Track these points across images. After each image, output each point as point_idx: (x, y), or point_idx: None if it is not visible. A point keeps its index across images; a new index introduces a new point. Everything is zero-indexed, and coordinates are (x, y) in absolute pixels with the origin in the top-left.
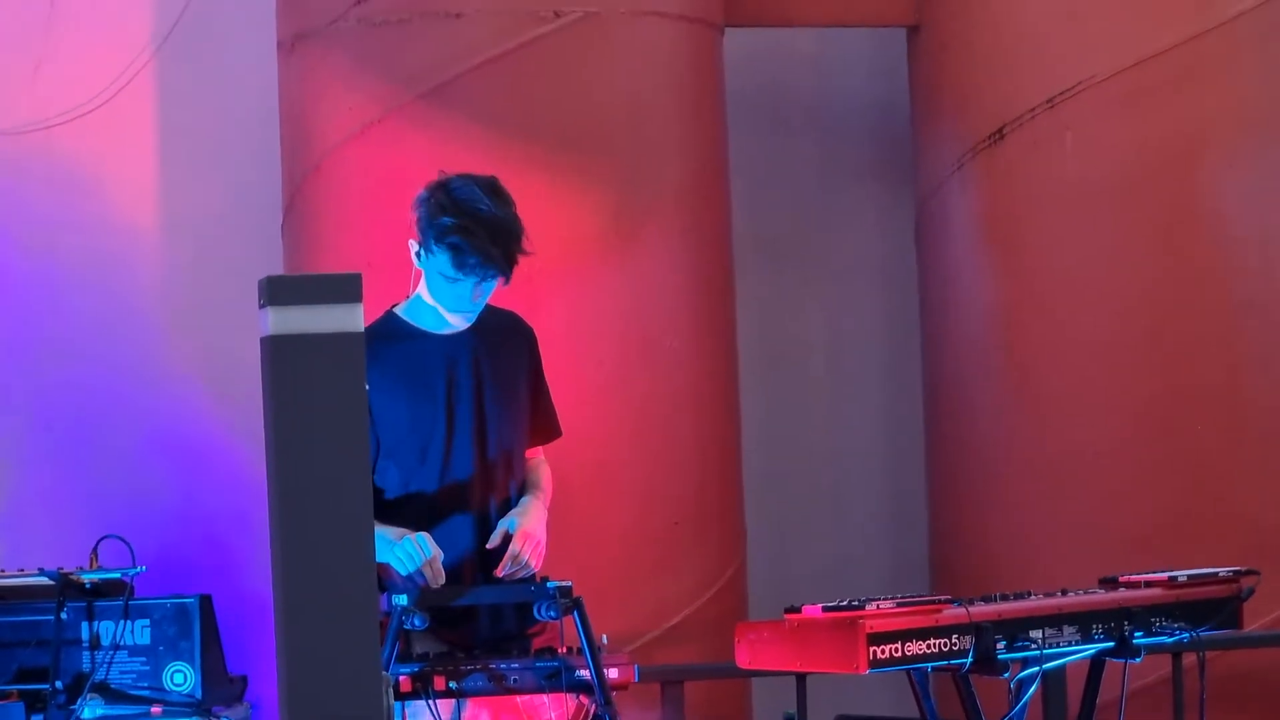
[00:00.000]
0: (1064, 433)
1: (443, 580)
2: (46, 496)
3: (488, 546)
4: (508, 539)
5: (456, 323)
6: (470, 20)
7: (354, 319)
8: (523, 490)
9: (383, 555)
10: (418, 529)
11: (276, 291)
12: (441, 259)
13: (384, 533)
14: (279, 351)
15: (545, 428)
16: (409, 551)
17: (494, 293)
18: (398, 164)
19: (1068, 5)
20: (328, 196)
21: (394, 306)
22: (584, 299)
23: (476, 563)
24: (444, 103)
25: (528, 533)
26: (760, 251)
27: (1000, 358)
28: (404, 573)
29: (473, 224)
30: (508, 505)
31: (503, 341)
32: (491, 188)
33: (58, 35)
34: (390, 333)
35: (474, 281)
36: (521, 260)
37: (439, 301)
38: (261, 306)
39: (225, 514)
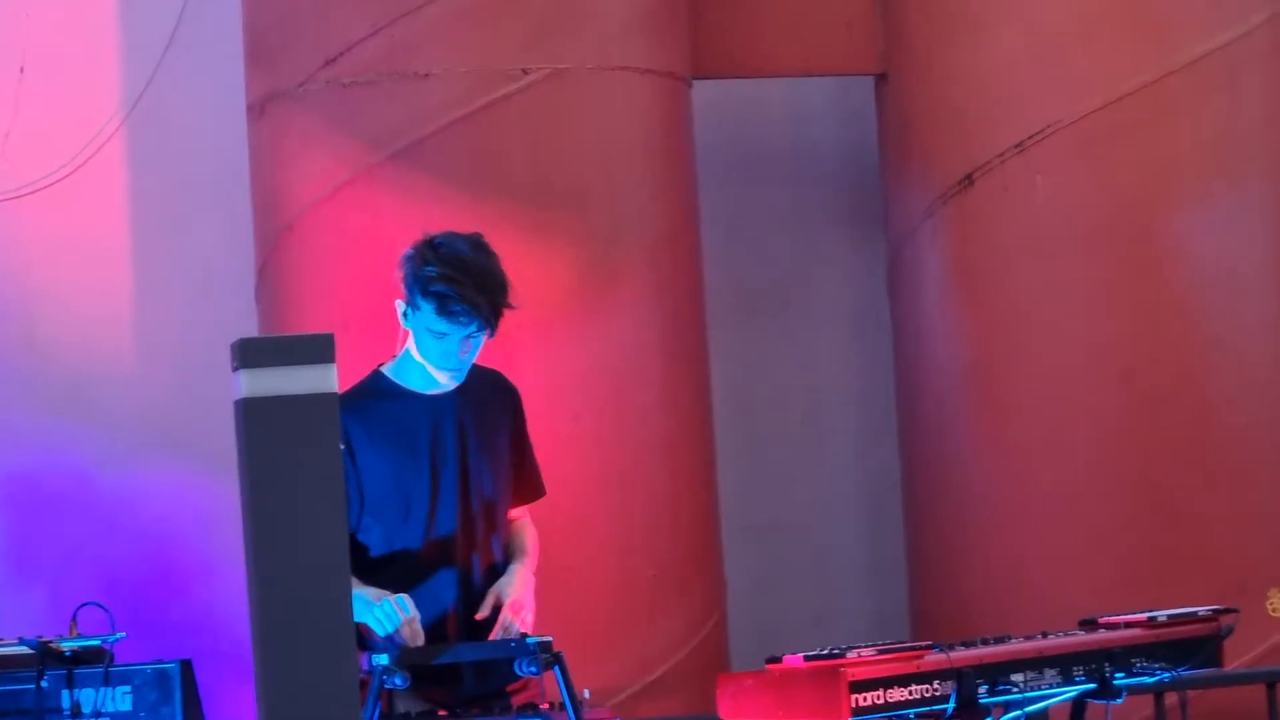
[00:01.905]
0: (1040, 476)
1: (421, 640)
2: (23, 563)
3: (478, 617)
4: (498, 608)
5: (444, 381)
6: (439, 80)
7: (327, 380)
8: (508, 551)
9: (361, 616)
10: (402, 587)
11: (249, 354)
12: (427, 309)
13: (363, 594)
14: (253, 414)
15: (529, 487)
16: (387, 612)
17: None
18: (370, 224)
19: (1034, 50)
20: (301, 258)
21: (381, 366)
22: (558, 354)
23: (460, 618)
24: (414, 162)
25: (518, 602)
26: (733, 302)
27: (975, 403)
28: (382, 634)
29: (457, 274)
30: (491, 563)
31: (487, 400)
32: (476, 242)
33: (26, 104)
34: (377, 391)
35: (461, 335)
36: (504, 315)
37: (427, 359)
38: (235, 369)
39: (203, 576)
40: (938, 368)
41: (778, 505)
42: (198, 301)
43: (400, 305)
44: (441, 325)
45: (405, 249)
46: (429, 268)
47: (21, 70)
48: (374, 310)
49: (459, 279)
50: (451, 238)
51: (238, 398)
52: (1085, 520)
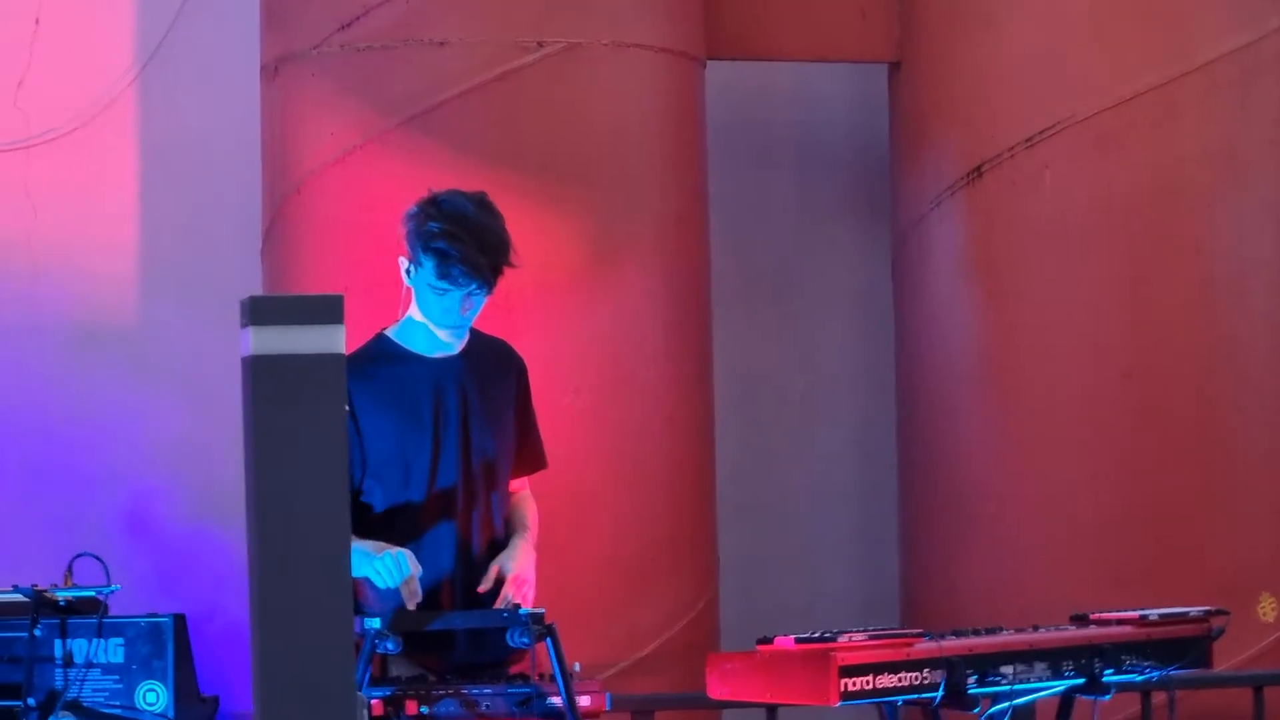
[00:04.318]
0: (1038, 469)
1: (419, 598)
2: (20, 512)
3: (480, 589)
4: (500, 581)
5: (446, 339)
6: (454, 49)
7: (335, 340)
8: (509, 524)
9: (361, 569)
10: (403, 544)
11: (258, 312)
12: (428, 266)
13: (364, 546)
14: (260, 372)
15: (531, 458)
16: (388, 566)
17: (475, 317)
18: (378, 189)
19: (1048, 46)
20: (308, 220)
21: (384, 329)
22: (562, 327)
23: (457, 585)
24: (426, 130)
25: (520, 578)
26: (737, 283)
27: (976, 394)
28: (382, 586)
29: (459, 230)
30: (492, 536)
31: (492, 368)
32: (480, 200)
33: (41, 54)
34: (380, 354)
35: (461, 293)
36: (500, 286)
37: (428, 316)
38: (243, 326)
39: (200, 532)
40: (939, 357)
41: (774, 487)
42: (204, 259)
43: (403, 262)
44: (442, 283)
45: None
46: (431, 224)
47: (37, 21)
48: (379, 275)
49: (460, 236)
50: (455, 195)
51: (245, 354)
52: (1080, 515)
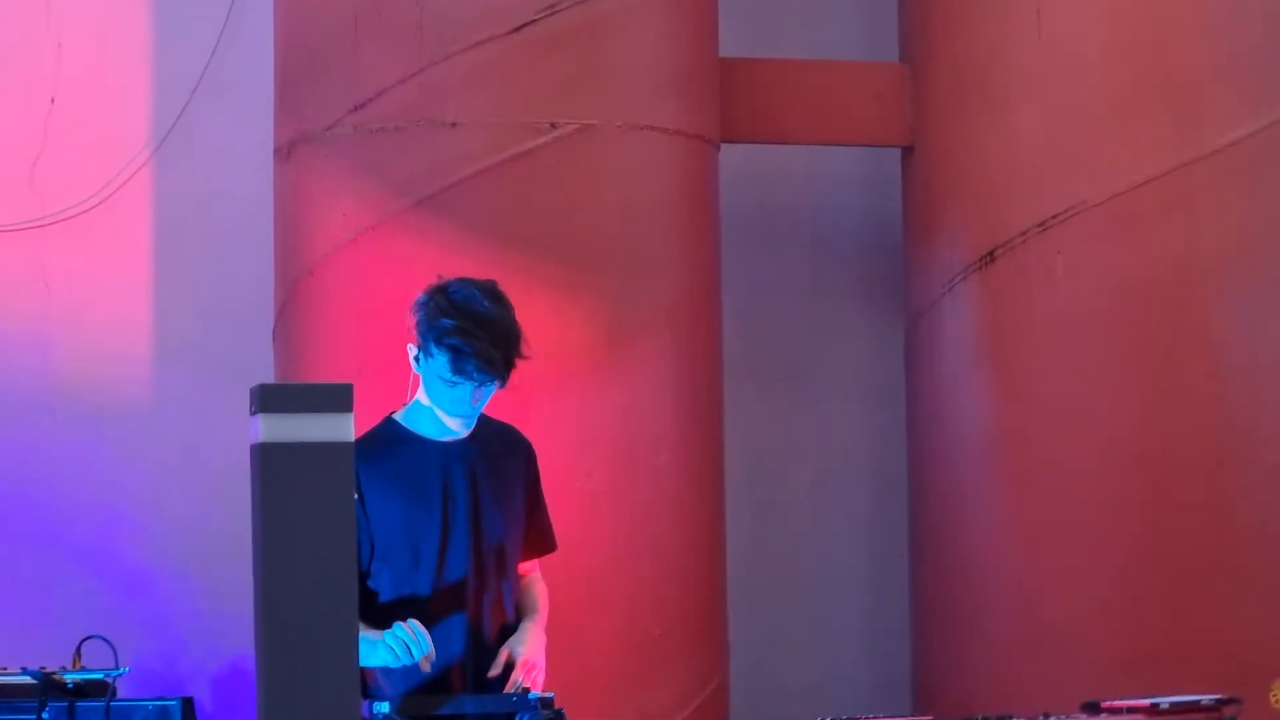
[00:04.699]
0: (1049, 553)
1: (432, 661)
2: (29, 593)
3: (490, 675)
4: (510, 666)
5: (455, 427)
6: (466, 130)
7: (344, 429)
8: (519, 608)
9: (368, 659)
10: None
11: (268, 399)
12: (440, 361)
13: (368, 635)
14: (269, 459)
15: (541, 540)
16: (399, 636)
17: (488, 402)
18: (391, 271)
19: (1060, 130)
20: (321, 302)
21: (393, 413)
22: (573, 409)
23: (467, 669)
24: (438, 211)
25: (530, 662)
26: (749, 366)
27: (987, 478)
28: (395, 663)
29: (473, 326)
30: (503, 621)
31: (500, 451)
32: (491, 291)
33: (56, 134)
34: (388, 438)
35: (473, 386)
36: (518, 365)
37: (437, 405)
38: (252, 414)
39: (210, 617)
40: (950, 441)
41: (785, 569)
42: (216, 340)
43: (412, 350)
44: (456, 377)
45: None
46: (445, 319)
47: (52, 101)
48: (391, 357)
49: (474, 331)
50: (466, 286)
51: (255, 442)
52: (1091, 599)
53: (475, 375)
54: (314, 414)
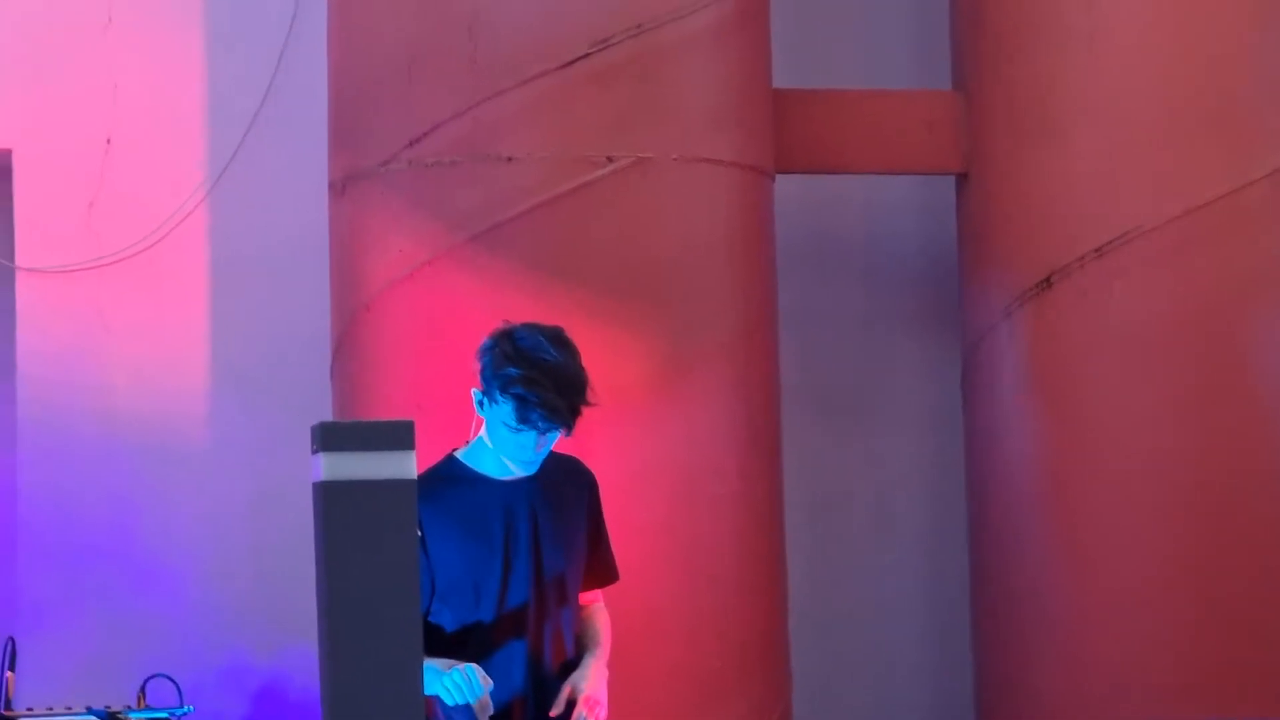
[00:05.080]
0: (1109, 581)
1: (490, 712)
2: (93, 632)
3: (552, 714)
4: (572, 703)
5: (518, 471)
6: (522, 164)
7: (406, 466)
8: (581, 642)
9: (431, 687)
10: (474, 661)
11: (330, 437)
12: (505, 409)
13: (434, 664)
14: (331, 497)
15: (603, 571)
16: (456, 682)
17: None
18: (447, 306)
19: (1116, 154)
20: (378, 337)
21: (455, 450)
22: (633, 440)
23: (528, 704)
24: (494, 246)
25: (592, 699)
26: (807, 396)
27: (1047, 505)
28: (451, 703)
29: (539, 375)
30: (561, 643)
31: (563, 487)
32: (557, 338)
33: (112, 174)
34: (450, 477)
35: (537, 434)
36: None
37: (501, 450)
38: (314, 452)
39: (274, 654)
40: (1010, 468)
41: (845, 598)
42: (274, 377)
43: (476, 394)
44: (519, 425)
45: (484, 336)
46: (510, 367)
47: (109, 141)
48: (449, 393)
49: (540, 381)
50: (532, 333)
51: (317, 480)
52: (1151, 627)
53: (540, 424)
54: (376, 452)
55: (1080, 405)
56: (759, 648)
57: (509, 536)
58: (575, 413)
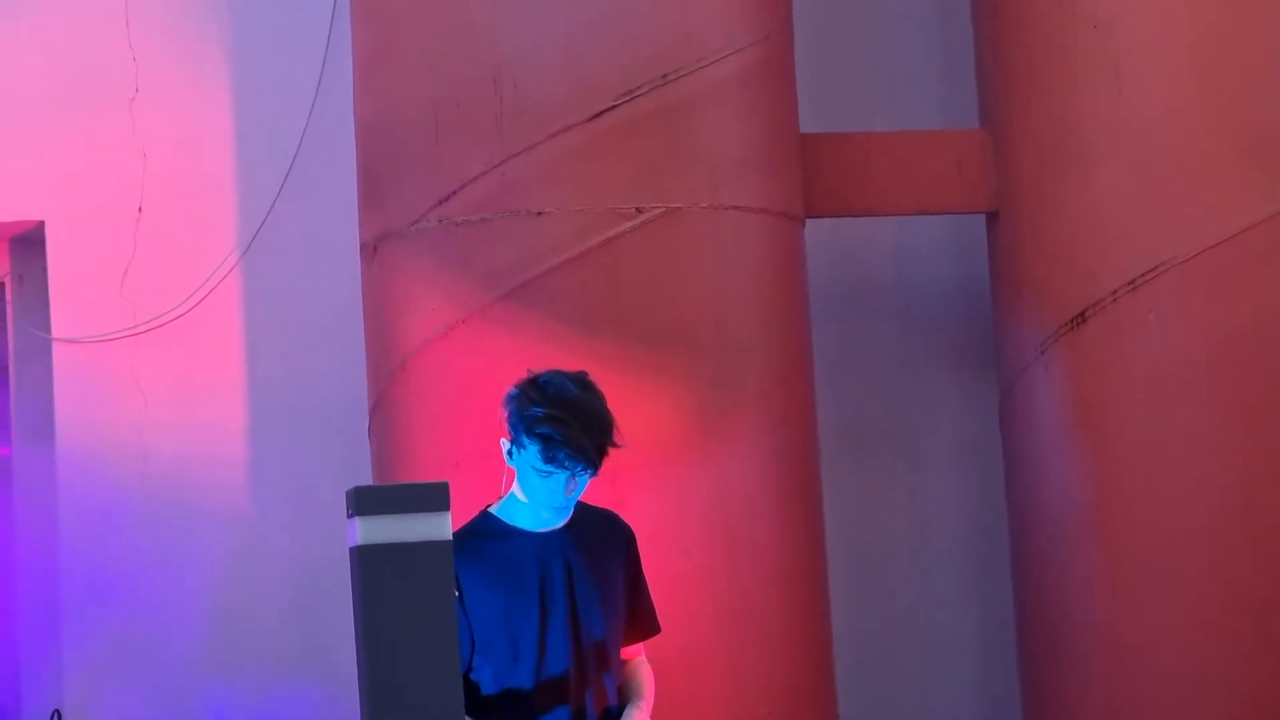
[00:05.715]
0: (1155, 615)
1: None
2: (135, 699)
3: None
4: None
5: (551, 520)
6: (552, 218)
7: (442, 528)
8: (623, 693)
9: None
10: None
11: (365, 501)
12: (532, 450)
13: None
14: (368, 561)
15: (644, 624)
16: None
17: (585, 488)
18: (482, 363)
19: (1146, 186)
20: (414, 397)
21: (489, 506)
22: (670, 490)
23: None
24: (527, 302)
25: None
26: (845, 439)
27: (1089, 540)
28: None
29: (563, 414)
30: (606, 706)
31: (598, 539)
32: (581, 380)
33: (144, 243)
34: (485, 532)
35: (566, 475)
36: (610, 453)
37: (531, 498)
38: (349, 516)
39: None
40: (1051, 504)
41: (890, 640)
42: (312, 440)
43: (505, 444)
44: (548, 466)
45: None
46: (535, 408)
47: (140, 210)
48: (485, 450)
49: (565, 419)
50: (557, 376)
51: (353, 544)
52: (1198, 662)
53: (567, 463)
54: (411, 514)
55: (1119, 439)
56: (805, 694)
57: (544, 587)
58: (602, 452)
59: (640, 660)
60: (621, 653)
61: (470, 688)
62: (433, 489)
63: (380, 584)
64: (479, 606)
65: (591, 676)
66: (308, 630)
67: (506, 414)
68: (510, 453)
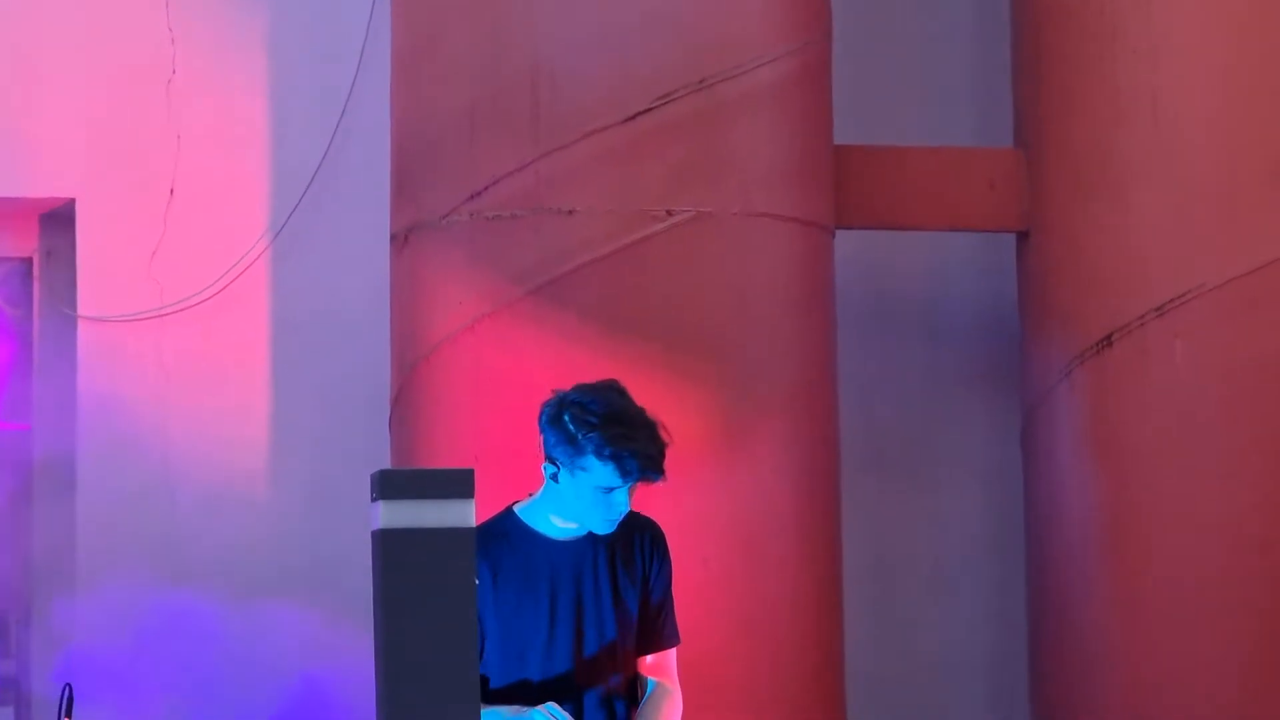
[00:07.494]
0: (1174, 644)
1: None
2: (157, 684)
3: None
4: None
5: (602, 528)
6: (583, 217)
7: (466, 515)
8: (640, 713)
9: None
10: None
11: (389, 485)
12: (604, 471)
13: (499, 711)
14: (390, 545)
15: (665, 633)
16: (551, 712)
17: None
18: (507, 358)
19: (1177, 212)
20: (437, 388)
21: (514, 505)
22: (690, 497)
23: None
24: (555, 299)
25: None
26: (867, 454)
27: (1108, 564)
28: None
29: (627, 430)
30: (611, 709)
31: (620, 543)
32: (620, 390)
33: (175, 224)
34: (506, 532)
35: (630, 485)
36: None
37: (583, 515)
38: (373, 500)
39: (335, 700)
40: (1069, 529)
41: (904, 658)
42: (333, 427)
43: (549, 469)
44: (620, 481)
45: (542, 393)
46: (595, 433)
47: (171, 192)
48: (507, 445)
49: (631, 435)
50: (598, 393)
51: (376, 528)
52: (1215, 689)
53: (638, 473)
54: (435, 500)
55: (1141, 464)
56: (817, 708)
57: (554, 597)
58: (664, 454)
59: (665, 688)
60: (641, 664)
61: (481, 681)
62: (458, 475)
63: (401, 569)
64: (490, 606)
65: (598, 678)
66: (329, 614)
67: (551, 440)
68: (556, 475)
